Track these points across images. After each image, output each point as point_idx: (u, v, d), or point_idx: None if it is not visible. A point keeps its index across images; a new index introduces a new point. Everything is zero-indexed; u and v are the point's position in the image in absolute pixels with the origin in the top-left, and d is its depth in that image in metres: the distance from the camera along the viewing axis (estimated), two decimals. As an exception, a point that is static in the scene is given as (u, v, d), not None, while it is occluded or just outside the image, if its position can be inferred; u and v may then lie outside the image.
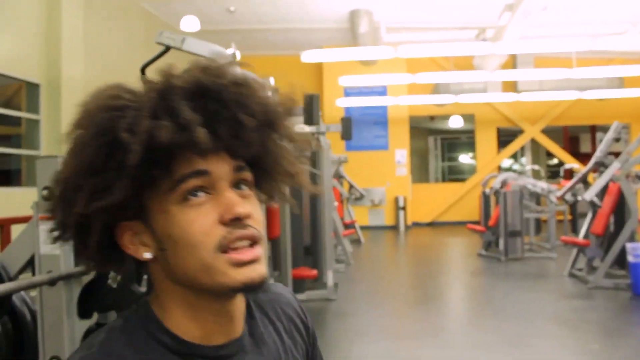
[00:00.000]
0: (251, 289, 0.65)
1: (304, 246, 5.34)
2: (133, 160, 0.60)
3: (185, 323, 0.68)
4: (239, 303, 0.72)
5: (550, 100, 13.55)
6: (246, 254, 0.64)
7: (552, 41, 9.55)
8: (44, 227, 1.94)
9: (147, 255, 0.67)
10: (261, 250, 0.66)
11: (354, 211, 11.30)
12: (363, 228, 11.96)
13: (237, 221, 0.63)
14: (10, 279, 2.01)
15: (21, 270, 2.09)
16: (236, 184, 0.66)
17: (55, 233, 0.69)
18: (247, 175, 0.68)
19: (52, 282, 1.90)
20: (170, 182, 0.63)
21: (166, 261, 0.65)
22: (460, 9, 10.86)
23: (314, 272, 4.99)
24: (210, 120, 0.62)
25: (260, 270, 0.65)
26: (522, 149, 16.13)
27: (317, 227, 5.65)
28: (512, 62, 13.16)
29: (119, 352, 0.65)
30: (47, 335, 1.96)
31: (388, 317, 5.26)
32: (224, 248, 0.63)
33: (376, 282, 7.17)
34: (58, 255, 1.94)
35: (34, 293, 2.24)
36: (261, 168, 0.70)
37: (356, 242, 10.77)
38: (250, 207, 0.66)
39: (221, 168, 0.64)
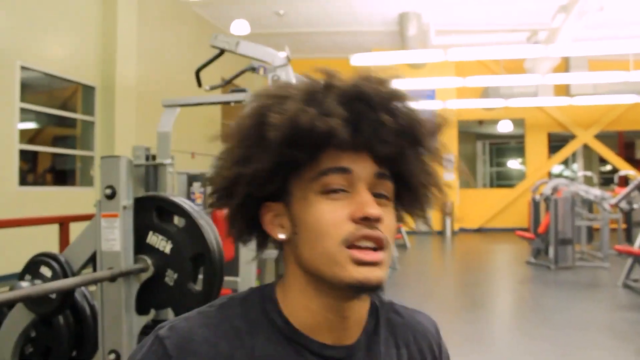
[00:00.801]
0: (365, 289, 0.66)
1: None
2: (275, 137, 0.65)
3: (299, 309, 0.71)
4: (357, 309, 0.72)
5: (605, 104, 13.11)
6: (368, 255, 0.65)
7: (608, 43, 9.23)
8: (106, 225, 2.01)
9: (282, 236, 0.72)
10: (384, 256, 0.67)
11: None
12: (409, 233, 11.86)
13: (366, 221, 0.66)
14: (74, 275, 2.09)
15: (83, 267, 2.17)
16: (376, 191, 0.69)
17: (212, 196, 0.75)
18: (388, 185, 0.70)
19: (112, 279, 1.97)
20: (314, 172, 0.68)
21: (296, 245, 0.69)
22: (511, 11, 10.66)
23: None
24: (354, 117, 0.67)
25: (378, 274, 0.66)
26: (574, 154, 15.68)
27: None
28: (565, 65, 12.82)
29: (232, 318, 0.70)
30: (106, 329, 2.02)
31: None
32: (349, 243, 0.65)
33: (422, 287, 7.10)
34: (119, 253, 2.00)
35: (92, 288, 2.32)
36: (403, 181, 0.72)
37: (402, 247, 10.69)
38: (383, 212, 0.68)
39: (363, 169, 0.68)
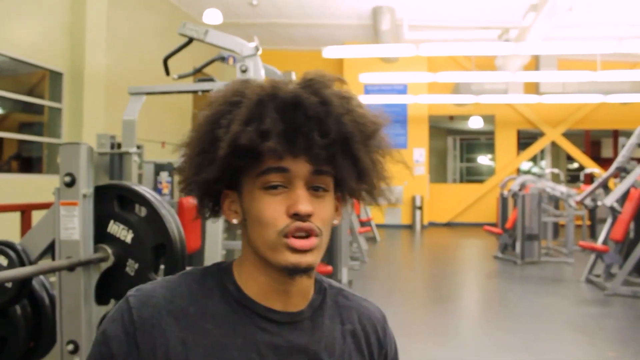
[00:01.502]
0: (297, 271, 0.76)
1: (319, 242, 5.34)
2: (220, 154, 0.76)
3: (250, 281, 0.82)
4: (299, 283, 0.82)
5: (573, 103, 13.36)
6: (299, 243, 0.76)
7: (577, 43, 9.39)
8: (65, 213, 1.97)
9: (235, 221, 0.83)
10: (316, 242, 0.77)
11: (370, 209, 11.27)
12: (379, 226, 11.93)
13: (297, 216, 0.75)
14: (31, 263, 2.04)
15: (41, 255, 2.12)
16: (314, 184, 0.78)
17: (181, 187, 0.86)
18: (325, 179, 0.79)
19: (71, 268, 1.93)
20: (257, 171, 0.77)
21: (246, 229, 0.81)
22: (484, 9, 10.77)
23: (329, 268, 4.98)
24: (292, 131, 0.75)
25: (308, 259, 0.76)
26: (542, 151, 15.96)
27: (333, 224, 5.63)
28: (534, 63, 13.01)
29: (190, 283, 0.82)
30: (65, 319, 1.98)
31: (402, 316, 5.24)
32: (285, 234, 0.75)
33: (391, 280, 7.15)
34: (78, 242, 1.96)
35: (53, 278, 2.27)
36: (338, 176, 0.81)
37: (372, 240, 10.75)
38: (317, 206, 0.77)
39: (299, 169, 0.76)
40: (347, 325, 0.87)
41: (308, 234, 0.76)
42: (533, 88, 13.34)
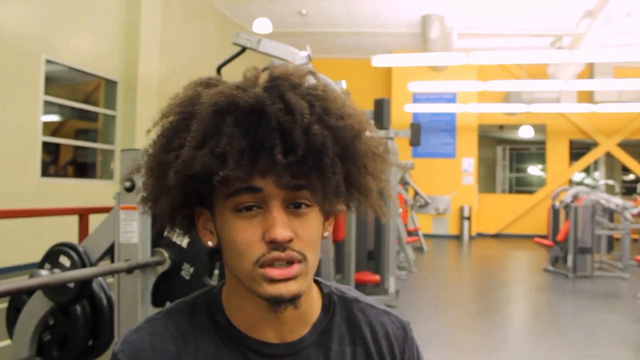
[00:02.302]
0: (280, 302, 0.68)
1: (367, 251, 5.33)
2: (171, 182, 0.67)
3: (237, 309, 0.74)
4: (291, 310, 0.72)
5: (630, 112, 12.92)
6: (279, 272, 0.67)
7: (634, 50, 9.10)
8: (125, 217, 2.03)
9: (210, 243, 0.74)
10: (299, 269, 0.68)
11: (417, 219, 11.18)
12: (426, 236, 11.80)
13: (275, 243, 0.66)
14: (92, 265, 2.12)
15: (101, 257, 2.20)
16: (294, 201, 0.68)
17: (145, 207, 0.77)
18: (305, 194, 0.68)
19: (129, 270, 1.99)
20: (226, 191, 0.67)
21: (223, 254, 0.72)
22: (536, 16, 10.56)
23: (377, 277, 4.98)
24: (256, 146, 0.65)
25: (292, 288, 0.67)
26: (596, 162, 15.47)
27: (381, 233, 5.62)
28: (589, 71, 12.65)
29: (178, 322, 0.75)
30: (122, 319, 2.05)
31: (449, 327, 5.17)
32: (261, 263, 0.67)
33: (438, 291, 7.06)
34: (136, 245, 2.02)
35: (110, 280, 2.35)
36: (317, 191, 0.69)
37: (419, 250, 10.64)
38: (298, 227, 0.68)
39: (273, 187, 0.66)
40: (359, 346, 0.78)
41: (289, 262, 0.67)
42: (587, 97, 12.96)
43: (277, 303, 0.68)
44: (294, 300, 0.68)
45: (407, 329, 0.83)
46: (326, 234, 0.75)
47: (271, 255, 0.66)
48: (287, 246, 0.67)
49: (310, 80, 0.72)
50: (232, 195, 0.67)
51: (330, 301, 0.79)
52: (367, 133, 0.72)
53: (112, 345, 2.17)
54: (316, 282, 0.80)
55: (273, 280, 0.67)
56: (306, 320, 0.76)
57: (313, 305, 0.77)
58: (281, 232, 0.66)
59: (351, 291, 0.83)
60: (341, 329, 0.78)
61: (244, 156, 0.64)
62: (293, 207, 0.68)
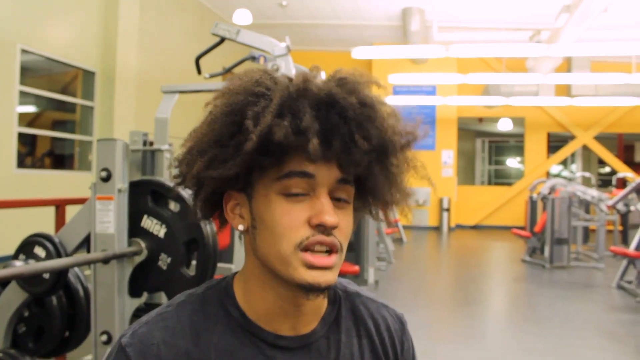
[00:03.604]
0: (314, 290, 0.68)
1: (346, 242, 5.35)
2: (249, 147, 0.66)
3: (256, 299, 0.74)
4: (313, 302, 0.74)
5: (606, 106, 13.12)
6: (319, 260, 0.68)
7: (611, 44, 9.22)
8: (101, 207, 2.02)
9: (241, 227, 0.73)
10: (336, 260, 0.69)
11: (397, 210, 11.22)
12: (406, 228, 11.88)
13: (321, 227, 0.67)
14: (67, 255, 2.10)
15: (77, 248, 2.17)
16: (336, 195, 0.70)
17: (177, 180, 0.77)
18: (349, 189, 0.71)
19: (105, 261, 1.98)
20: (278, 173, 0.68)
21: (254, 238, 0.72)
22: (515, 10, 10.65)
23: (356, 268, 5.00)
24: (328, 131, 0.67)
25: (328, 277, 0.68)
26: (573, 155, 15.70)
27: (361, 224, 5.64)
28: (567, 65, 12.81)
29: (191, 315, 0.73)
30: (99, 310, 2.03)
31: (428, 318, 5.22)
32: (303, 247, 0.67)
33: (417, 282, 7.12)
34: (112, 235, 2.01)
35: (87, 271, 2.33)
36: (364, 187, 0.73)
37: (398, 241, 10.72)
38: (341, 219, 0.69)
39: (326, 175, 0.68)
40: (365, 338, 0.80)
41: (329, 249, 0.68)
42: (564, 90, 13.13)
43: (312, 290, 0.68)
44: (327, 290, 0.70)
45: (403, 322, 0.87)
46: None
47: (316, 238, 0.67)
48: (331, 232, 0.68)
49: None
50: (283, 178, 0.68)
51: (335, 294, 0.81)
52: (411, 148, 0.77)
53: (91, 335, 2.17)
54: None
55: (312, 267, 0.67)
56: (319, 312, 0.78)
57: (325, 299, 0.79)
58: (331, 217, 0.67)
59: (351, 285, 0.85)
60: (347, 321, 0.80)
61: (320, 137, 0.66)
62: (335, 200, 0.70)
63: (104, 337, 2.00)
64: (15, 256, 2.11)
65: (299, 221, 0.68)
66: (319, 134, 0.66)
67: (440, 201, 13.76)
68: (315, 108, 0.67)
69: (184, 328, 0.72)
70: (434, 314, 5.50)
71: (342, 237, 0.70)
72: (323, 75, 0.74)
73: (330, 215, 0.67)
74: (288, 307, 0.73)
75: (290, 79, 0.72)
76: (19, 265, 1.96)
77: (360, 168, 0.69)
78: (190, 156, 0.73)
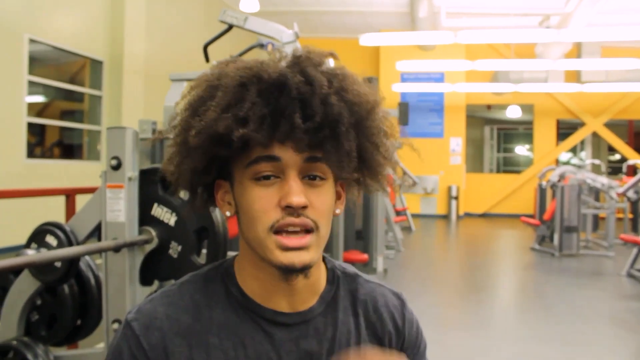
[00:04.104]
0: (291, 271, 0.71)
1: (355, 230, 5.34)
2: (193, 142, 0.70)
3: (251, 279, 0.77)
4: (303, 280, 0.76)
5: (616, 92, 12.99)
6: (292, 241, 0.70)
7: (622, 29, 9.11)
8: (111, 195, 2.02)
9: (228, 213, 0.77)
10: (312, 239, 0.71)
11: (405, 198, 11.22)
12: (414, 216, 11.86)
13: (290, 209, 0.69)
14: (79, 244, 2.10)
15: (88, 237, 2.18)
16: (309, 173, 0.72)
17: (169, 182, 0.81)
18: (320, 166, 0.72)
19: (116, 249, 1.98)
20: (246, 160, 0.71)
21: (240, 223, 0.75)
22: (524, -5, 10.54)
23: (365, 256, 4.99)
24: (275, 115, 0.69)
25: (304, 257, 0.70)
26: (583, 142, 15.60)
27: (369, 212, 5.64)
28: (576, 51, 12.69)
29: (193, 293, 0.77)
30: (110, 299, 2.04)
31: (436, 306, 5.23)
32: (275, 229, 0.70)
33: (426, 270, 7.12)
34: (123, 223, 2.01)
35: (98, 260, 2.34)
36: (331, 163, 0.73)
37: (407, 229, 10.71)
38: (313, 197, 0.71)
39: (291, 157, 0.70)
40: (362, 316, 0.82)
41: (302, 229, 0.70)
42: (574, 76, 13.01)
43: (289, 272, 0.71)
44: (304, 269, 0.71)
45: (402, 298, 0.88)
46: (337, 211, 0.78)
47: (285, 220, 0.69)
48: (301, 213, 0.70)
49: (330, 63, 0.76)
50: (252, 164, 0.70)
51: (334, 275, 0.83)
52: (380, 112, 0.77)
53: (103, 323, 2.18)
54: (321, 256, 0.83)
55: (286, 248, 0.70)
56: (315, 290, 0.80)
57: (321, 277, 0.81)
58: (296, 198, 0.69)
59: (350, 267, 0.87)
60: (345, 300, 0.82)
61: (264, 122, 0.68)
62: (308, 178, 0.72)
63: (116, 325, 2.01)
64: (27, 245, 2.12)
65: (270, 204, 0.70)
66: (262, 120, 0.68)
67: (449, 189, 13.73)
68: (265, 93, 0.69)
69: (187, 304, 0.75)
70: (442, 301, 5.51)
71: (317, 215, 0.71)
72: (332, 63, 0.75)
73: (297, 195, 0.69)
74: (281, 285, 0.75)
75: (246, 67, 0.72)
76: (31, 254, 1.97)
77: (312, 146, 0.69)
78: (169, 155, 0.78)
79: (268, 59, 0.74)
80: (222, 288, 0.77)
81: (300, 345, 0.76)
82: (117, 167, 2.01)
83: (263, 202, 0.70)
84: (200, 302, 0.76)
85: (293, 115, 0.68)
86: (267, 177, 0.70)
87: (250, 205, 0.71)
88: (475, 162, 16.97)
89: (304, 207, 0.69)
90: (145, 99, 9.09)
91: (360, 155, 0.74)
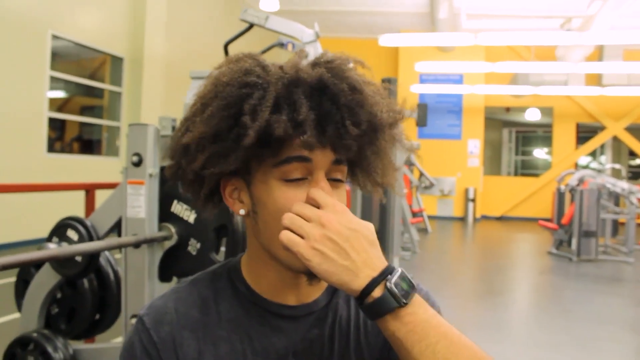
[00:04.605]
0: (312, 275, 0.70)
1: (371, 230, 5.34)
2: (247, 143, 0.68)
3: (259, 277, 0.78)
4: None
5: (638, 95, 12.80)
6: None
7: (646, 33, 8.99)
8: (132, 191, 2.03)
9: (242, 212, 0.76)
10: None
11: (422, 200, 11.18)
12: (431, 218, 11.82)
13: None
14: (99, 239, 2.12)
15: (108, 232, 2.20)
16: (331, 176, 0.73)
17: (172, 174, 0.79)
18: (343, 168, 0.74)
19: (136, 245, 2.00)
20: (276, 160, 0.70)
21: (255, 222, 0.74)
22: (546, -3, 10.44)
23: (380, 257, 4.98)
24: (322, 119, 0.69)
25: None
26: (603, 146, 15.40)
27: (386, 213, 5.62)
28: (598, 53, 12.53)
29: (201, 289, 0.79)
30: (129, 294, 2.06)
31: (452, 308, 5.19)
32: None
33: (441, 272, 7.08)
34: (143, 220, 2.03)
35: (117, 255, 2.36)
36: (357, 166, 0.78)
37: (423, 231, 10.67)
38: (336, 198, 0.71)
39: (322, 158, 0.71)
40: None
41: None
42: (595, 80, 12.85)
43: (310, 273, 0.69)
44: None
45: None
46: None
47: None
48: None
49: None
50: (281, 164, 0.70)
51: None
52: (400, 125, 0.79)
53: (121, 318, 2.20)
54: None
55: None
56: (321, 284, 0.81)
57: None
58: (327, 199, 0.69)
59: None
60: None
61: (314, 126, 0.68)
62: (331, 181, 0.73)
63: (134, 320, 2.02)
64: (49, 239, 2.14)
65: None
66: (313, 124, 0.68)
67: (466, 191, 13.64)
68: (309, 95, 0.69)
69: (195, 300, 0.78)
70: (458, 304, 5.47)
71: None
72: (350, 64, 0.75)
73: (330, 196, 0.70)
74: (290, 282, 0.77)
75: (281, 67, 0.73)
76: (53, 248, 1.99)
77: (353, 152, 0.72)
78: (189, 152, 0.73)
79: (291, 60, 0.75)
80: (229, 284, 0.80)
81: (306, 336, 0.78)
82: (138, 163, 2.03)
83: (290, 202, 0.69)
84: (208, 297, 0.78)
85: (344, 122, 0.69)
86: (296, 179, 0.70)
87: (277, 206, 0.70)
88: (493, 164, 16.84)
89: None
90: (164, 96, 9.15)
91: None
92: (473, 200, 13.61)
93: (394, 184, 0.82)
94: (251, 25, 3.48)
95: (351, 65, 0.75)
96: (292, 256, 0.67)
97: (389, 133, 0.76)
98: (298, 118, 0.67)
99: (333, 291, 0.82)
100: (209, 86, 0.74)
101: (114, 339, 3.28)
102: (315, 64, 0.73)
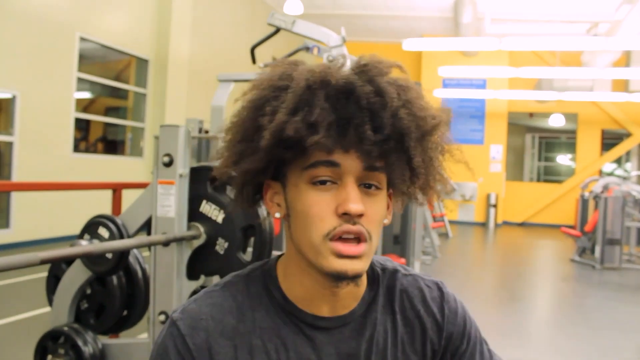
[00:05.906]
0: (343, 279, 0.70)
1: (393, 235, 5.34)
2: (263, 143, 0.70)
3: (295, 284, 0.77)
4: (351, 287, 0.77)
5: (666, 103, 12.61)
6: (348, 249, 0.69)
7: (674, 39, 8.85)
8: (162, 191, 2.08)
9: (277, 215, 0.77)
10: (365, 248, 0.70)
11: (443, 205, 11.13)
12: (452, 223, 11.76)
13: (347, 216, 0.69)
14: (129, 237, 2.17)
15: (138, 231, 2.25)
16: (365, 182, 0.71)
17: (221, 174, 0.80)
18: (378, 175, 0.72)
19: (166, 243, 2.04)
20: (304, 163, 0.70)
21: (290, 226, 0.75)
22: (572, 2, 10.33)
23: (402, 261, 4.98)
24: (344, 122, 0.68)
25: (357, 266, 0.70)
26: (628, 153, 15.16)
27: (407, 218, 5.62)
28: (625, 59, 12.34)
29: (236, 295, 0.78)
30: (158, 291, 2.10)
31: (472, 313, 5.13)
32: (332, 236, 0.69)
33: (462, 277, 7.05)
34: (173, 219, 2.07)
35: (145, 253, 2.41)
36: (389, 174, 0.74)
37: (444, 235, 10.62)
38: (367, 206, 0.70)
39: (351, 164, 0.69)
40: (399, 314, 0.81)
41: (357, 238, 0.69)
42: (622, 85, 12.66)
43: (340, 279, 0.70)
44: (355, 278, 0.71)
45: (441, 287, 0.86)
46: (386, 221, 0.77)
47: (342, 228, 0.69)
48: (357, 221, 0.69)
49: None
50: (310, 168, 0.70)
51: (374, 273, 0.83)
52: (443, 129, 0.76)
53: (147, 315, 2.25)
54: None
55: (341, 256, 0.69)
56: (357, 295, 0.80)
57: (364, 281, 0.80)
58: (355, 205, 0.68)
59: (389, 262, 0.87)
60: (383, 299, 0.82)
61: (332, 128, 0.67)
62: (364, 187, 0.71)
63: (162, 317, 2.07)
64: (80, 236, 2.20)
65: (326, 211, 0.69)
66: (330, 126, 0.67)
67: (488, 197, 13.54)
68: (332, 99, 0.69)
69: (230, 306, 0.76)
70: (478, 309, 5.44)
71: (371, 225, 0.71)
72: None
73: (354, 203, 0.68)
74: (325, 292, 0.75)
75: (312, 71, 0.72)
76: (85, 245, 2.04)
77: (376, 156, 0.69)
78: (224, 150, 0.77)
79: (332, 62, 0.74)
80: (264, 290, 0.78)
81: (340, 349, 0.77)
82: (169, 164, 2.07)
83: (319, 208, 0.69)
84: (243, 304, 0.76)
85: (363, 126, 0.68)
86: (323, 182, 0.70)
87: (306, 210, 0.70)
88: (515, 170, 16.68)
89: (360, 216, 0.69)
90: (188, 98, 9.26)
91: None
92: (495, 205, 13.51)
93: (438, 196, 0.80)
94: (278, 29, 3.51)
95: (387, 69, 0.73)
96: (320, 257, 0.69)
97: (427, 141, 0.73)
98: (310, 119, 0.67)
99: (370, 301, 0.81)
100: (249, 89, 0.76)
101: (139, 335, 3.33)
102: (352, 67, 0.73)
